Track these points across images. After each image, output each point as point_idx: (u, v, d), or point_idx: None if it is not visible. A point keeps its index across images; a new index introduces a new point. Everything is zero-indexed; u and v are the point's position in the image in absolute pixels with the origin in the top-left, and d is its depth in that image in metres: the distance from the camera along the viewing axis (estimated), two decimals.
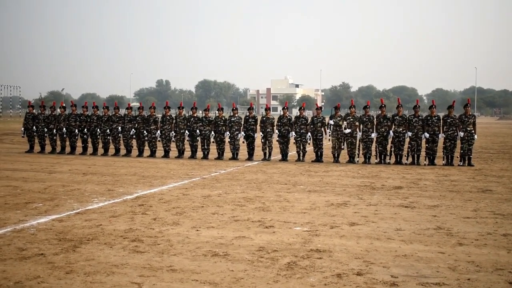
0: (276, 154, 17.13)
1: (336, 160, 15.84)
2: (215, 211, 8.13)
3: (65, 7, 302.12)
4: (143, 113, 17.73)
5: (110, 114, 17.76)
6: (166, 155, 17.05)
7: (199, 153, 17.01)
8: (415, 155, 15.16)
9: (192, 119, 16.83)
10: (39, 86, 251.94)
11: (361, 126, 15.61)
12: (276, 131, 16.23)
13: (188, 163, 15.46)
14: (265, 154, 16.39)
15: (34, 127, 18.28)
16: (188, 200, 9.13)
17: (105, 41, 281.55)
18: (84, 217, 7.67)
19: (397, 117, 15.35)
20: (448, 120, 15.03)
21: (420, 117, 15.25)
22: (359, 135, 15.59)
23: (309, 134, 15.92)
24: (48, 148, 18.47)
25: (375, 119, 15.75)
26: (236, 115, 16.84)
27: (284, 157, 16.24)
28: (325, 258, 5.60)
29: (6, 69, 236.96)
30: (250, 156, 16.47)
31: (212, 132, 16.56)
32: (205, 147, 16.74)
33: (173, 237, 6.50)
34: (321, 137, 15.93)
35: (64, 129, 17.91)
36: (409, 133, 15.07)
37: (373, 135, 15.43)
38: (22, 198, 9.14)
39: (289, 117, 16.37)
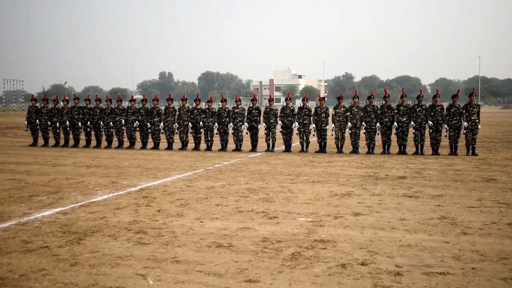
0: (280, 145, 17.13)
1: (339, 150, 15.81)
2: (219, 203, 8.14)
3: (67, 1, 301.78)
4: (147, 105, 17.71)
5: (113, 107, 17.75)
6: (170, 147, 17.06)
7: (203, 145, 17.01)
8: (419, 145, 15.14)
9: (195, 111, 16.81)
10: (41, 80, 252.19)
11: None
12: (280, 122, 16.21)
13: (191, 154, 15.46)
14: (268, 145, 16.37)
15: (37, 121, 18.29)
16: (192, 191, 9.14)
17: (108, 34, 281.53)
18: (88, 209, 7.68)
19: (402, 107, 15.30)
20: (452, 110, 14.96)
21: (424, 107, 15.19)
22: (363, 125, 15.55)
23: (312, 125, 15.90)
24: (51, 141, 18.49)
25: (379, 109, 15.69)
26: (240, 107, 16.81)
27: (288, 148, 16.23)
28: (329, 249, 5.60)
29: (9, 63, 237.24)
30: (254, 147, 16.47)
31: (216, 124, 16.54)
32: (209, 138, 16.75)
33: (177, 228, 6.50)
34: (325, 128, 15.87)
35: (67, 122, 17.91)
36: (412, 123, 15.01)
37: (377, 125, 15.40)
38: (26, 191, 9.16)
39: (292, 108, 16.33)
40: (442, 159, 14.02)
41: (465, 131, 14.77)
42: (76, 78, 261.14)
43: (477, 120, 14.81)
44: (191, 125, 16.75)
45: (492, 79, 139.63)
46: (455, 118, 14.88)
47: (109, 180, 10.45)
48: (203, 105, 17.39)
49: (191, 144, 17.22)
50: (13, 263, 5.14)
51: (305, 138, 16.11)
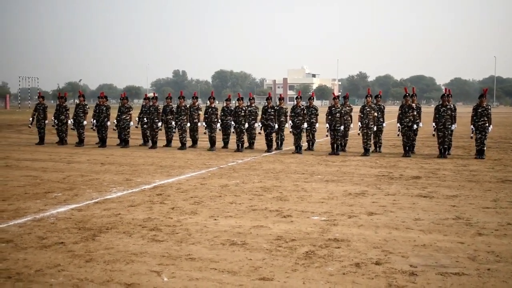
0: (289, 145, 17.05)
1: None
2: (233, 201, 8.15)
3: None
4: (156, 103, 17.37)
5: (120, 105, 17.55)
6: (183, 147, 16.71)
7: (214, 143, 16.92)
8: (443, 147, 14.35)
9: (210, 109, 16.59)
10: (56, 77, 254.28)
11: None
12: (290, 121, 15.74)
13: (205, 153, 15.48)
14: (277, 143, 16.24)
15: (52, 118, 18.24)
16: (205, 189, 9.16)
17: (123, 32, 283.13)
18: (103, 206, 7.73)
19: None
20: (479, 110, 14.08)
21: (448, 107, 14.35)
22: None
23: (326, 125, 15.44)
24: (77, 139, 18.52)
25: (399, 109, 15.29)
26: (253, 105, 16.66)
27: (298, 150, 15.49)
28: (343, 248, 5.59)
29: (24, 61, 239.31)
30: (269, 148, 16.00)
31: (232, 122, 16.25)
32: (225, 137, 16.69)
33: (191, 226, 6.52)
34: (338, 128, 15.07)
35: (88, 121, 17.80)
36: (433, 124, 14.42)
37: (383, 124, 15.48)
38: (41, 188, 9.23)
39: (302, 107, 15.70)
40: (457, 159, 13.90)
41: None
42: (90, 75, 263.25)
43: (486, 123, 14.24)
44: (219, 125, 16.53)
45: (508, 79, 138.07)
46: (482, 119, 14.00)
47: (123, 178, 10.50)
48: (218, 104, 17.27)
49: (219, 143, 16.86)
50: (29, 259, 5.18)
51: (311, 137, 16.02)
